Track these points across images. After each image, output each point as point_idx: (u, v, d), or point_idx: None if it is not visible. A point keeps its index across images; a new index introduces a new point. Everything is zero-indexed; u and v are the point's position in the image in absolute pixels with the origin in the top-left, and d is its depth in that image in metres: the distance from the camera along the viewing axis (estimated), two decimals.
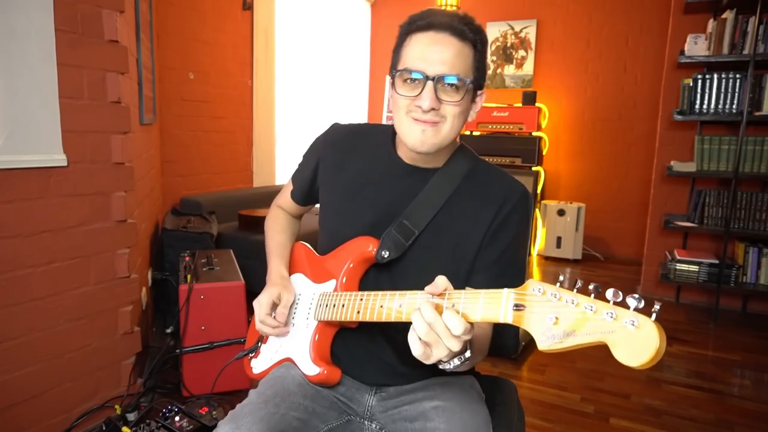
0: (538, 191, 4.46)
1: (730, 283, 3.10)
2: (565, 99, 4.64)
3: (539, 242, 4.54)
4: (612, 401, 2.13)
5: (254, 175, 4.00)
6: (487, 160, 1.07)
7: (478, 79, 0.92)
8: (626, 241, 4.49)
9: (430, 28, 0.89)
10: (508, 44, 4.79)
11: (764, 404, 2.15)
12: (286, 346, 1.07)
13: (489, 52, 4.86)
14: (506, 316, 0.68)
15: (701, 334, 2.90)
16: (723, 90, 3.06)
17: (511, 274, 0.97)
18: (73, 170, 1.66)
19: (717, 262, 3.13)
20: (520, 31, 4.72)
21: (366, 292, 0.90)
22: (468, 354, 0.77)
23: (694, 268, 3.18)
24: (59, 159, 1.61)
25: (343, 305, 0.93)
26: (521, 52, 4.75)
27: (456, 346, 0.72)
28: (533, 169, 4.34)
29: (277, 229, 1.20)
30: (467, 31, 0.89)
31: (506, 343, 1.24)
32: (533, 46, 4.69)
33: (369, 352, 1.02)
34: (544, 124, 4.63)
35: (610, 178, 4.53)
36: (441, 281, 0.75)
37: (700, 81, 3.11)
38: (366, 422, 1.01)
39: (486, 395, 1.09)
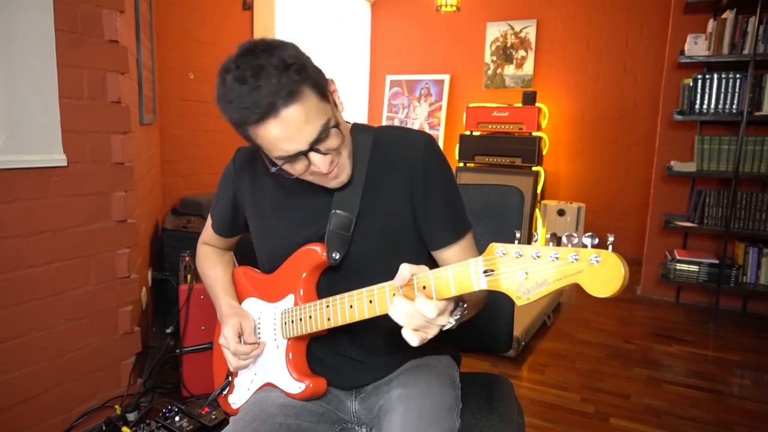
0: (538, 191, 4.45)
1: (730, 283, 3.10)
2: (565, 99, 4.65)
3: (539, 242, 4.53)
4: (612, 401, 2.13)
5: None
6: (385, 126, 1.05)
7: (323, 96, 0.84)
8: (626, 241, 4.48)
9: (263, 119, 0.79)
10: (508, 44, 4.79)
11: (764, 404, 2.15)
12: (261, 373, 1.04)
13: (489, 52, 4.86)
14: (479, 283, 0.70)
15: (701, 334, 2.90)
16: (723, 90, 3.06)
17: (462, 219, 0.99)
18: (73, 170, 1.66)
19: (717, 262, 3.13)
20: (520, 31, 4.72)
21: (331, 297, 0.89)
22: (464, 306, 0.78)
23: (694, 268, 3.18)
24: (59, 159, 1.61)
25: (310, 317, 0.92)
26: (521, 52, 4.75)
27: (444, 321, 0.74)
28: (533, 169, 4.34)
29: (210, 266, 1.17)
30: (288, 82, 0.78)
31: (499, 340, 1.24)
32: (533, 46, 4.69)
33: (337, 355, 1.00)
34: (544, 124, 4.63)
35: (610, 178, 4.53)
36: (405, 269, 0.75)
37: (700, 81, 3.11)
38: (356, 427, 1.01)
39: (484, 394, 1.09)
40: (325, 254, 0.94)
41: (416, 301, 0.73)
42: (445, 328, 0.76)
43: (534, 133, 4.38)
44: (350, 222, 0.93)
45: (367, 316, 0.83)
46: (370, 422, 0.99)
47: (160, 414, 1.77)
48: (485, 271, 0.69)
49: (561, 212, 4.32)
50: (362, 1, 5.29)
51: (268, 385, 1.03)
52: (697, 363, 2.53)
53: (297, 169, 0.86)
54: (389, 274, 0.78)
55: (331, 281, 0.98)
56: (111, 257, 1.81)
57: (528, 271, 0.65)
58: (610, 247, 0.61)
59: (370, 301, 0.82)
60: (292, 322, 0.96)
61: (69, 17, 1.60)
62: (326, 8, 4.74)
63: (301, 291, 0.97)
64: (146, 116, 2.33)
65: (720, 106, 3.08)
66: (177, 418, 1.73)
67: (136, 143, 2.03)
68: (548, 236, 0.66)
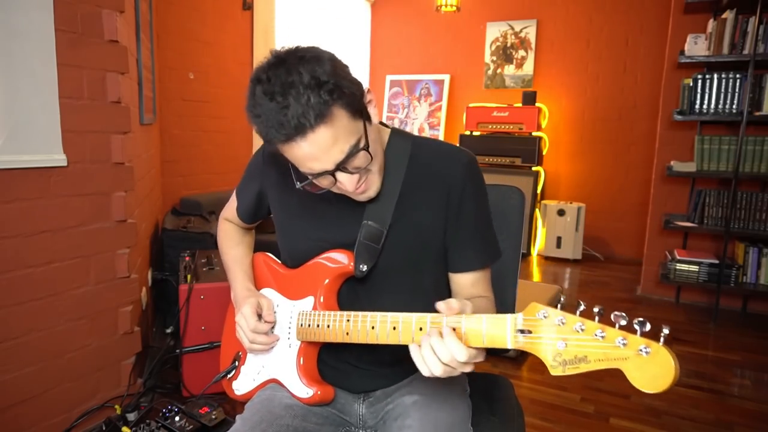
0: (538, 191, 4.46)
1: (730, 283, 3.10)
2: (565, 99, 4.65)
3: (539, 242, 4.53)
4: (612, 401, 2.13)
5: None
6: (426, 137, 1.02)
7: (357, 118, 0.81)
8: (626, 241, 4.48)
9: (289, 139, 0.77)
10: (508, 44, 4.79)
11: (764, 404, 2.15)
12: (270, 367, 1.03)
13: (489, 52, 4.86)
14: (515, 341, 0.67)
15: (701, 334, 2.90)
16: (723, 90, 3.06)
17: (491, 246, 0.98)
18: (73, 170, 1.66)
19: (717, 262, 3.13)
20: (520, 31, 4.73)
21: (353, 313, 0.87)
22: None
23: (694, 268, 3.18)
24: (59, 159, 1.61)
25: (328, 326, 0.90)
26: (521, 52, 4.75)
27: (469, 369, 0.72)
28: (533, 169, 4.34)
29: (231, 244, 1.15)
30: (319, 104, 0.74)
31: None
32: (533, 46, 4.69)
33: (348, 362, 1.00)
34: (544, 124, 4.63)
35: (610, 178, 4.53)
36: (455, 303, 0.73)
37: (700, 81, 3.11)
38: (360, 431, 1.01)
39: (484, 394, 1.09)
40: (352, 265, 0.92)
41: (447, 341, 0.71)
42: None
43: (534, 133, 4.38)
44: (381, 234, 0.92)
45: (387, 341, 0.81)
46: (376, 426, 0.99)
47: (160, 414, 1.76)
48: (521, 331, 0.67)
49: (561, 212, 4.32)
50: (362, 1, 5.29)
51: (275, 381, 1.02)
52: (697, 363, 2.53)
53: (323, 184, 0.85)
54: (412, 289, 0.78)
55: (353, 290, 0.96)
56: (111, 257, 1.81)
57: (568, 342, 0.63)
58: (662, 339, 0.58)
59: (394, 328, 0.81)
60: (309, 326, 0.94)
61: (69, 17, 1.60)
62: (326, 8, 4.74)
63: (322, 297, 0.95)
64: (146, 116, 2.33)
65: (720, 106, 3.08)
66: (177, 418, 1.73)
67: (136, 143, 2.03)
68: (596, 310, 0.62)
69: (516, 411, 1.11)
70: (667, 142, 3.41)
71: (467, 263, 0.96)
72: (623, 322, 0.60)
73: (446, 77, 5.11)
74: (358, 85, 0.82)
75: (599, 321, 0.61)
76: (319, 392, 0.95)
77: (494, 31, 4.82)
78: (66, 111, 1.61)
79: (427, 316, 0.77)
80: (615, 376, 2.16)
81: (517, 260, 1.17)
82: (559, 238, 4.35)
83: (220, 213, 1.22)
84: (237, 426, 0.93)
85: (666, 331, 0.58)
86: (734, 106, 3.04)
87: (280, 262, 1.09)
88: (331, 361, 1.00)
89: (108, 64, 1.72)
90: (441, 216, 0.93)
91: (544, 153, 4.58)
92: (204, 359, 1.98)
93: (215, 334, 2.00)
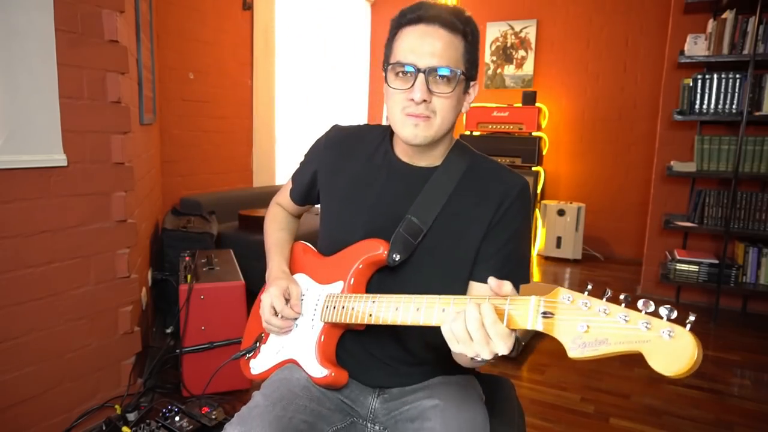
0: (538, 191, 4.46)
1: (730, 283, 3.10)
2: (565, 99, 4.65)
3: (539, 242, 4.53)
4: (612, 401, 2.13)
5: (254, 175, 4.00)
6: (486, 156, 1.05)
7: (469, 70, 0.93)
8: (626, 241, 4.49)
9: (420, 21, 0.89)
10: (508, 44, 4.79)
11: (764, 404, 2.15)
12: (289, 347, 1.05)
13: (489, 52, 4.86)
14: (535, 323, 0.67)
15: (701, 334, 2.87)
16: (723, 90, 3.06)
17: (511, 269, 0.96)
18: (73, 170, 1.66)
19: (717, 262, 3.13)
20: (520, 31, 4.73)
21: (378, 295, 0.88)
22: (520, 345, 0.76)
23: (694, 268, 3.18)
24: (59, 159, 1.61)
25: (353, 308, 0.92)
26: (521, 52, 4.75)
27: (503, 347, 0.70)
28: (533, 169, 4.34)
29: (276, 227, 1.20)
30: (458, 22, 0.89)
31: None
32: (533, 46, 4.69)
33: (371, 355, 1.01)
34: (544, 124, 4.63)
35: (610, 178, 4.53)
36: (508, 287, 0.73)
37: (700, 81, 3.11)
38: (369, 424, 1.01)
39: (485, 394, 1.09)
40: (386, 253, 0.94)
41: (484, 307, 0.70)
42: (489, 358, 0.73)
43: (534, 133, 4.38)
44: (420, 232, 0.94)
45: (409, 323, 0.82)
46: (386, 422, 0.99)
47: (160, 414, 1.77)
48: (544, 313, 0.66)
49: (561, 212, 4.32)
50: (362, 1, 5.29)
51: (292, 361, 1.03)
52: None
53: (398, 83, 0.90)
54: (441, 293, 0.78)
55: (383, 282, 0.98)
56: (111, 257, 1.81)
57: (591, 324, 0.62)
58: (689, 325, 0.58)
59: (417, 309, 0.81)
60: (334, 308, 0.96)
61: (69, 17, 1.60)
62: (326, 8, 4.74)
63: (352, 280, 0.97)
64: (146, 116, 2.33)
65: (720, 106, 3.08)
66: (177, 418, 1.73)
67: (136, 143, 2.03)
68: (622, 297, 0.62)
69: (516, 411, 1.11)
70: (667, 142, 3.41)
71: (482, 273, 0.95)
72: (651, 309, 0.59)
73: None
74: (477, 68, 0.97)
75: (626, 307, 0.61)
76: (333, 373, 0.97)
77: (494, 31, 4.82)
78: (66, 111, 1.61)
79: (451, 298, 0.78)
80: (615, 376, 2.16)
81: None
82: (559, 238, 4.35)
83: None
84: (258, 400, 0.94)
85: (692, 317, 0.58)
86: (734, 106, 3.04)
87: (316, 251, 1.11)
88: (356, 350, 1.02)
89: (108, 64, 1.72)
90: (481, 231, 0.95)
91: (544, 153, 4.58)
92: (204, 359, 1.98)
93: (215, 334, 2.00)
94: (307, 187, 1.14)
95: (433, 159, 0.99)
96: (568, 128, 4.66)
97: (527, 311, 0.68)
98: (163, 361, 2.09)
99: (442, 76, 0.88)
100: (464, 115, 4.69)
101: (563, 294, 0.65)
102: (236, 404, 1.88)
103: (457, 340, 0.73)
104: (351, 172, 1.04)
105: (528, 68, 4.74)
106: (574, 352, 0.63)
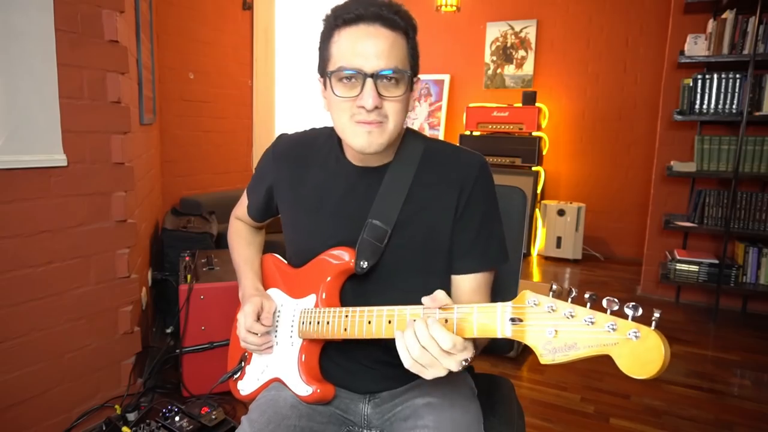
0: (538, 191, 4.46)
1: (730, 283, 3.10)
2: (565, 99, 4.65)
3: (539, 242, 4.53)
4: (612, 401, 2.13)
5: None
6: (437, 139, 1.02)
7: (414, 68, 0.88)
8: (626, 241, 4.48)
9: (359, 20, 0.83)
10: (508, 44, 4.79)
11: (764, 404, 2.15)
12: (273, 366, 1.03)
13: (489, 52, 4.86)
14: (504, 331, 0.66)
15: (701, 334, 2.90)
16: (723, 90, 3.06)
17: (494, 250, 0.95)
18: (73, 170, 1.66)
19: (717, 262, 3.13)
20: (520, 31, 4.72)
21: (351, 308, 0.87)
22: (470, 357, 0.75)
23: (694, 268, 3.18)
24: (59, 159, 1.61)
25: (327, 322, 0.90)
26: (521, 52, 4.75)
27: (454, 366, 0.71)
28: (533, 169, 4.34)
29: (242, 243, 1.17)
30: (399, 19, 0.84)
31: (499, 342, 1.24)
32: (533, 46, 4.69)
33: (357, 362, 0.99)
34: (544, 124, 4.63)
35: (610, 178, 4.53)
36: (441, 295, 0.73)
37: (700, 81, 3.11)
38: (365, 430, 1.01)
39: (484, 394, 1.09)
40: (353, 261, 0.92)
41: (431, 328, 0.70)
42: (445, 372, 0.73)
43: (534, 133, 4.38)
44: (385, 234, 0.91)
45: (383, 336, 0.81)
46: (382, 425, 0.99)
47: (160, 414, 1.76)
48: (512, 319, 0.65)
49: (561, 212, 4.32)
50: None
51: (277, 380, 1.02)
52: (697, 363, 2.53)
53: (344, 90, 0.84)
54: (420, 290, 0.77)
55: (359, 289, 0.96)
56: (111, 257, 1.81)
57: (558, 329, 0.61)
58: (654, 323, 0.56)
59: (389, 322, 0.80)
60: (310, 323, 0.94)
61: (69, 17, 1.60)
62: (326, 8, 4.73)
63: (324, 294, 0.95)
64: (146, 116, 2.33)
65: (720, 106, 3.08)
66: (177, 418, 1.73)
67: (136, 143, 2.03)
68: (587, 296, 0.61)
69: (516, 411, 1.11)
70: (667, 142, 3.41)
71: (466, 266, 0.94)
72: (615, 308, 0.58)
73: (446, 77, 5.11)
74: (418, 68, 0.91)
75: (591, 307, 0.60)
76: (318, 390, 0.95)
77: (494, 31, 4.82)
78: (66, 111, 1.61)
79: (421, 308, 0.77)
80: (615, 376, 2.15)
81: (518, 260, 1.17)
82: (559, 238, 4.35)
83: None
84: (244, 427, 0.92)
85: (657, 314, 0.56)
86: (734, 106, 3.04)
87: (285, 262, 1.09)
88: (341, 360, 1.00)
89: (108, 64, 1.72)
90: (449, 218, 0.92)
91: (544, 153, 4.58)
92: (204, 359, 1.98)
93: (215, 334, 2.00)
94: (264, 203, 1.11)
95: (385, 156, 0.94)
96: (568, 128, 4.66)
97: (495, 319, 0.67)
98: (163, 361, 2.09)
99: (391, 79, 0.83)
100: (464, 115, 4.68)
101: (529, 297, 0.64)
102: (236, 405, 1.89)
103: (409, 354, 0.73)
104: (310, 182, 1.00)
105: (528, 68, 4.74)
106: (546, 357, 0.62)
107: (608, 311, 0.58)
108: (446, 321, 0.72)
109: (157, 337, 2.47)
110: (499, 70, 4.87)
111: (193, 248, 2.49)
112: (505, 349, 1.25)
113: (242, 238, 1.18)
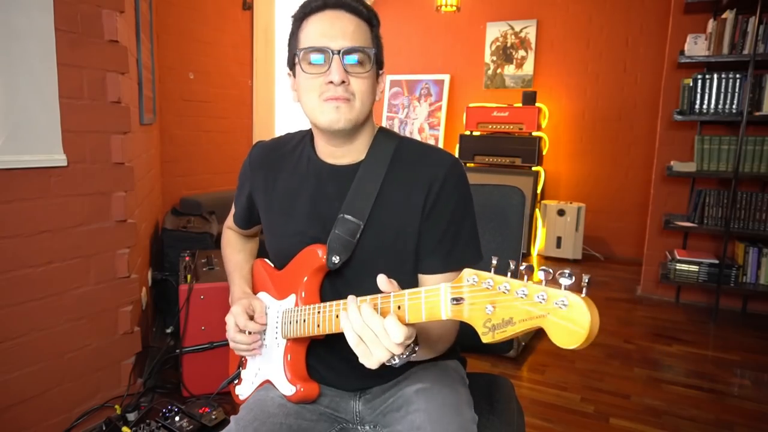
0: (538, 191, 4.46)
1: (730, 283, 3.10)
2: (565, 99, 4.65)
3: (539, 242, 4.53)
4: (612, 401, 2.13)
5: None
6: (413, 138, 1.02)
7: (378, 56, 0.92)
8: (626, 241, 4.48)
9: (325, 7, 0.89)
10: (508, 44, 4.79)
11: (764, 404, 2.15)
12: (264, 368, 1.04)
13: (489, 52, 4.86)
14: (447, 312, 0.65)
15: (701, 334, 2.90)
16: (723, 90, 3.06)
17: (461, 251, 0.93)
18: (73, 170, 1.66)
19: (717, 262, 3.13)
20: (520, 31, 4.72)
21: (322, 304, 0.88)
22: (416, 348, 0.75)
23: (694, 268, 3.18)
24: (59, 159, 1.61)
25: (304, 320, 0.92)
26: (521, 52, 4.75)
27: (399, 351, 0.71)
28: (533, 169, 4.34)
29: (233, 250, 1.19)
30: (362, 8, 0.90)
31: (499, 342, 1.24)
32: (533, 46, 4.69)
33: (345, 359, 0.97)
34: (544, 124, 4.63)
35: (610, 178, 4.53)
36: (383, 282, 0.73)
37: (700, 81, 3.11)
38: (359, 427, 1.01)
39: (484, 394, 1.09)
40: (324, 257, 0.92)
41: (387, 320, 0.70)
42: (388, 363, 0.73)
43: (534, 133, 4.38)
44: (357, 228, 0.91)
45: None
46: (375, 420, 0.99)
47: (160, 414, 1.77)
48: (454, 299, 0.63)
49: (561, 212, 4.32)
50: None
51: (268, 382, 1.03)
52: (697, 363, 2.53)
53: (312, 68, 0.88)
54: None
55: (335, 285, 0.97)
56: (111, 257, 1.81)
57: (496, 305, 0.58)
58: (584, 289, 0.53)
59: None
60: (290, 323, 0.96)
61: (69, 17, 1.60)
62: None
63: (303, 293, 0.96)
64: (146, 116, 2.33)
65: (720, 106, 3.08)
66: (177, 418, 1.73)
67: (136, 143, 2.03)
68: (523, 268, 0.58)
69: (516, 411, 1.11)
70: (667, 142, 3.41)
71: (430, 265, 0.93)
72: (549, 278, 0.55)
73: (446, 77, 5.11)
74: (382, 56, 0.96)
75: (528, 280, 0.57)
76: (301, 389, 0.96)
77: (494, 31, 4.82)
78: (66, 111, 1.61)
79: (379, 297, 0.76)
80: (615, 376, 2.16)
81: (518, 260, 1.17)
82: (559, 238, 4.35)
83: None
84: (230, 426, 0.93)
85: (586, 279, 0.54)
86: (734, 106, 3.04)
87: (271, 265, 1.10)
88: (329, 357, 1.01)
89: (108, 64, 1.72)
90: (417, 218, 0.92)
91: (544, 153, 4.57)
92: (204, 359, 1.98)
93: (215, 334, 2.00)
94: (247, 211, 1.13)
95: (357, 154, 0.96)
96: (568, 128, 4.66)
97: (439, 300, 0.66)
98: (163, 361, 2.09)
99: (358, 53, 0.87)
100: (464, 115, 4.69)
101: (468, 275, 0.62)
102: (236, 405, 1.89)
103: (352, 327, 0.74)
104: (282, 185, 1.02)
105: (528, 68, 4.74)
106: (486, 336, 0.60)
107: (543, 282, 0.56)
108: (399, 308, 0.71)
109: (157, 337, 2.47)
110: (499, 70, 4.87)
111: (193, 248, 2.49)
112: (505, 349, 1.26)
113: (232, 246, 1.21)
